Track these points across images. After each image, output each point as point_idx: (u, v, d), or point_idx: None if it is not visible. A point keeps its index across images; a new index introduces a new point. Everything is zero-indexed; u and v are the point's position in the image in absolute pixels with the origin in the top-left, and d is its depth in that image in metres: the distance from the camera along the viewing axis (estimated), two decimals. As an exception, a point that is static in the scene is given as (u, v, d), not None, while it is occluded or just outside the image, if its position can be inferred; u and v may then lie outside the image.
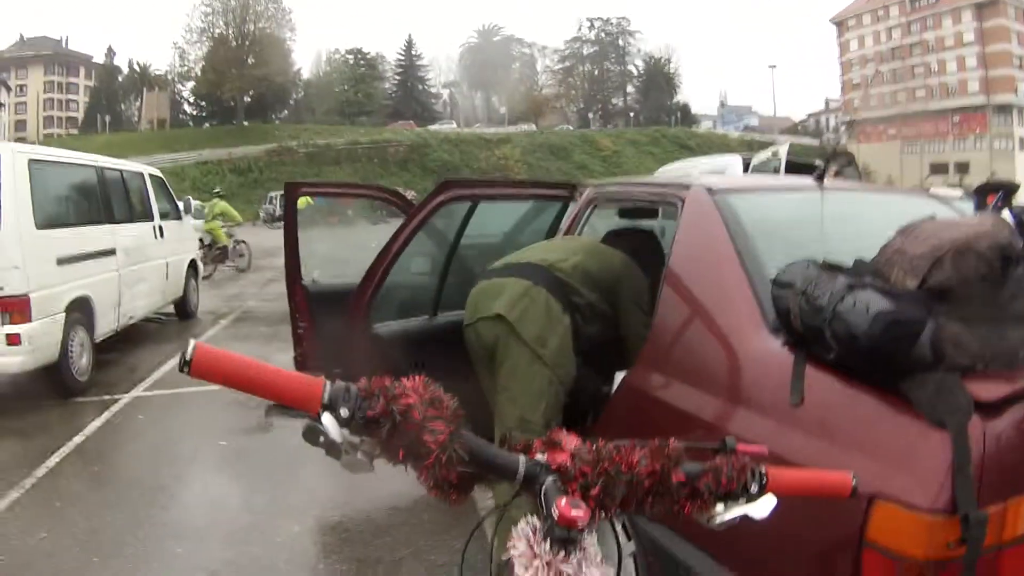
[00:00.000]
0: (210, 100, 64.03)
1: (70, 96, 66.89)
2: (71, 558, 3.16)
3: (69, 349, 5.64)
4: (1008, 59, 56.71)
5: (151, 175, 8.24)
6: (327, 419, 0.76)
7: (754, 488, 0.93)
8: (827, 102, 76.79)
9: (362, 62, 69.86)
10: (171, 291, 8.52)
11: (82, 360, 5.87)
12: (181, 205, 9.16)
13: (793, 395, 1.63)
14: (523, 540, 0.81)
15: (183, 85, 66.40)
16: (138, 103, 65.45)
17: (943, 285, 1.56)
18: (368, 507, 3.66)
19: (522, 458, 0.85)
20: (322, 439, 0.76)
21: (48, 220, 5.54)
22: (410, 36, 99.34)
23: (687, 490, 0.92)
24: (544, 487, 0.82)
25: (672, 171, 10.65)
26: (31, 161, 5.43)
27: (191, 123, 65.95)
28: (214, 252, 13.98)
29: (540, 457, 0.87)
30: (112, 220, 6.75)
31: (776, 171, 8.32)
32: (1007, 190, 2.17)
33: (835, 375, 1.60)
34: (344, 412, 0.76)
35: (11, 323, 5.09)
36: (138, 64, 67.97)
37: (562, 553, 0.79)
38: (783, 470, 0.96)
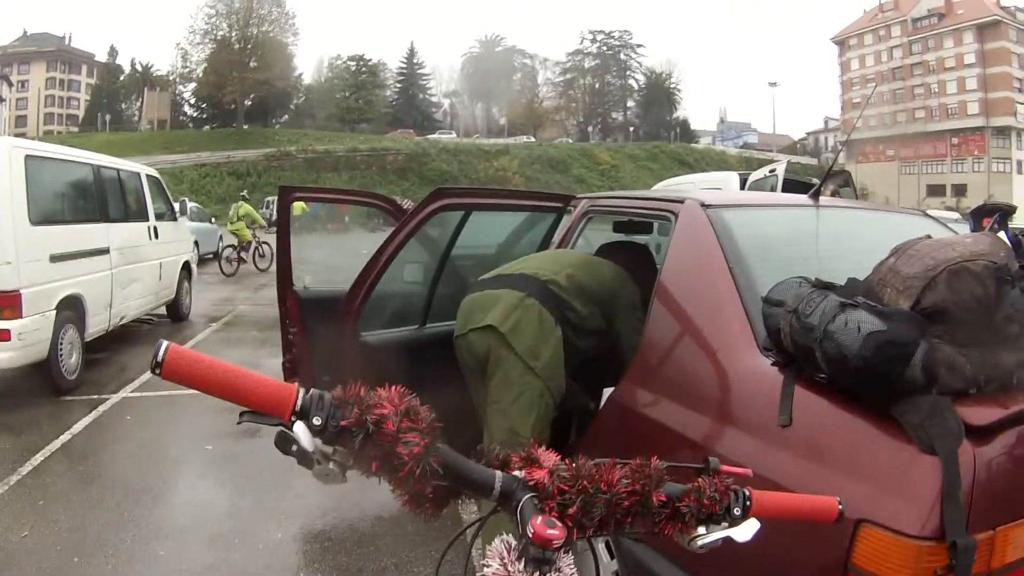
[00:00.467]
0: (211, 102, 64.00)
1: (71, 93, 66.83)
2: (53, 556, 3.13)
3: (59, 347, 5.61)
4: (1008, 81, 57.13)
5: (148, 175, 8.23)
6: (299, 427, 0.74)
7: (737, 511, 0.91)
8: (826, 121, 77.22)
9: (364, 69, 69.83)
10: (164, 292, 8.49)
11: (72, 358, 5.84)
12: (177, 207, 9.16)
13: (781, 415, 1.60)
14: (496, 558, 0.79)
15: (184, 86, 66.42)
16: (139, 103, 65.41)
17: (937, 306, 1.53)
18: (353, 516, 3.62)
19: (499, 474, 0.83)
20: (294, 447, 0.74)
21: (43, 216, 5.52)
22: (412, 44, 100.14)
23: (668, 511, 0.90)
24: (520, 505, 0.80)
25: (669, 187, 10.66)
26: (28, 157, 5.41)
27: (191, 125, 65.86)
28: (238, 251, 14.91)
29: (518, 473, 0.85)
30: (107, 219, 6.73)
31: (773, 189, 8.31)
32: (1004, 212, 2.17)
33: (825, 396, 1.58)
34: (317, 421, 0.74)
35: (1, 319, 5.06)
36: (140, 64, 68.24)
37: (536, 574, 0.77)
38: (768, 493, 0.94)
